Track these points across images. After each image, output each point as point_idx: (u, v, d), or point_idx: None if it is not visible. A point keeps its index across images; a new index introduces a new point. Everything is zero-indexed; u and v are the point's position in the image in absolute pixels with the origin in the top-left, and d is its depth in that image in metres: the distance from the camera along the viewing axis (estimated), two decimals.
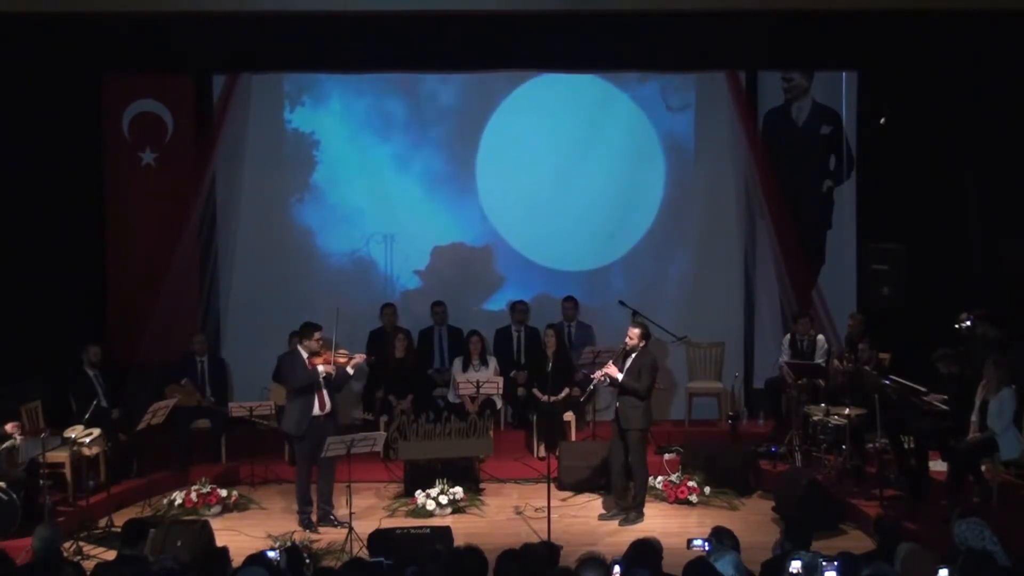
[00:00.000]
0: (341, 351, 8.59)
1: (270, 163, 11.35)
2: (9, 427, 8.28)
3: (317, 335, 8.44)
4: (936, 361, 8.62)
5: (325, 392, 8.47)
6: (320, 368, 8.39)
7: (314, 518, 8.55)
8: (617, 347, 8.86)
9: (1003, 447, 8.07)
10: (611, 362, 8.67)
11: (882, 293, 10.60)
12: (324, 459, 8.28)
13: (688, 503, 9.14)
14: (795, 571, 5.25)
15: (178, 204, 10.95)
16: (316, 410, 8.43)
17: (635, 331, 8.65)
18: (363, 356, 8.81)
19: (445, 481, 9.04)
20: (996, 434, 8.06)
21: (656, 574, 5.40)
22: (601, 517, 8.86)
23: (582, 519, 8.88)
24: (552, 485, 8.54)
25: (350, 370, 8.61)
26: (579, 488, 9.46)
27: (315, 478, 8.61)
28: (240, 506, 9.09)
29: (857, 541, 7.85)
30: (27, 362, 10.03)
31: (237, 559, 5.81)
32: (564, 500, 9.26)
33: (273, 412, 9.87)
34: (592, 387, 8.85)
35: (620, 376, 8.54)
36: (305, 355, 8.45)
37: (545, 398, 10.22)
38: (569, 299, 11.07)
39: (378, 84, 11.35)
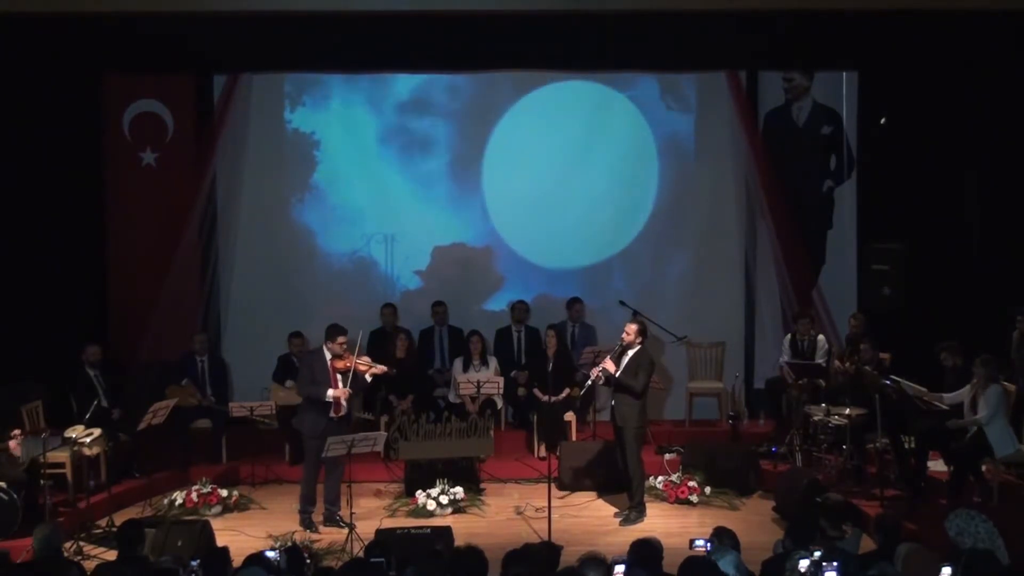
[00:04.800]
0: (364, 358, 8.59)
1: (270, 163, 11.35)
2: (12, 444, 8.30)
3: (341, 339, 8.43)
4: (941, 352, 8.65)
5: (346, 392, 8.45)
6: (332, 394, 8.34)
7: (317, 518, 8.55)
8: (619, 341, 8.82)
9: (995, 444, 8.09)
10: (608, 358, 8.66)
11: (883, 293, 10.61)
12: (332, 461, 8.28)
13: (688, 503, 9.14)
14: (803, 570, 5.26)
15: (178, 204, 10.95)
16: (331, 412, 8.42)
17: (632, 327, 8.64)
18: (384, 368, 8.78)
19: (446, 481, 9.04)
20: (983, 424, 8.08)
21: (656, 574, 5.41)
22: (617, 515, 8.82)
23: (582, 519, 8.87)
24: (552, 485, 8.53)
25: (368, 377, 8.60)
26: (579, 488, 9.46)
27: (320, 479, 8.60)
28: (241, 506, 9.09)
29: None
30: (27, 362, 10.03)
31: (237, 559, 5.81)
32: (561, 499, 9.26)
33: (273, 412, 9.87)
34: (589, 383, 8.84)
35: (617, 372, 8.53)
36: (329, 357, 8.45)
37: (546, 398, 10.23)
38: (577, 300, 11.08)
39: (378, 84, 11.36)
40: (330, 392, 8.33)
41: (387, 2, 9.98)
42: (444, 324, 11.15)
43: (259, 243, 11.38)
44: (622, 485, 8.89)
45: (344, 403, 8.45)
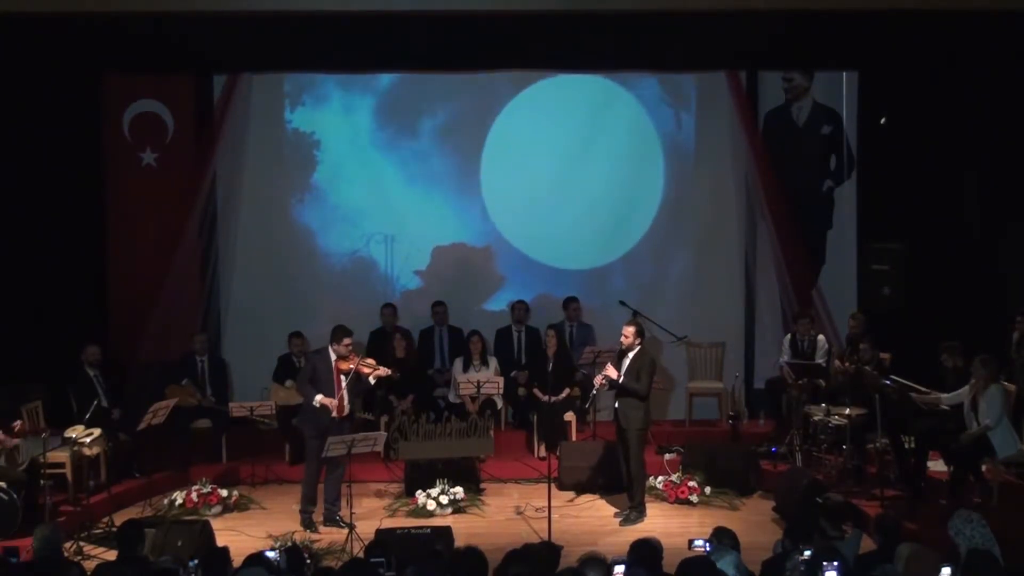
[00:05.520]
0: (367, 360, 8.61)
1: (270, 163, 11.36)
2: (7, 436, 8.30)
3: (347, 340, 8.45)
4: (942, 353, 8.65)
5: (345, 395, 8.46)
6: (321, 400, 8.34)
7: (317, 518, 8.55)
8: (618, 344, 8.83)
9: (998, 445, 8.10)
10: (609, 364, 8.68)
11: (883, 293, 10.61)
12: (332, 461, 8.28)
13: (689, 503, 9.14)
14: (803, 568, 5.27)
15: (178, 204, 10.95)
16: (334, 412, 8.43)
17: (630, 329, 8.65)
18: (388, 371, 8.79)
19: (446, 481, 9.04)
20: (990, 429, 8.09)
21: (656, 574, 5.40)
22: (617, 515, 8.82)
23: (582, 519, 8.88)
24: (552, 485, 8.54)
25: (372, 380, 8.62)
26: (579, 488, 9.46)
27: (321, 479, 8.60)
28: (240, 506, 9.09)
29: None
30: (27, 362, 10.03)
31: (237, 559, 5.81)
32: (570, 501, 9.27)
33: (273, 412, 9.87)
34: (594, 393, 8.87)
35: (620, 377, 8.54)
36: (334, 358, 8.45)
37: (546, 398, 10.23)
38: (573, 300, 11.07)
39: (378, 84, 11.37)
40: (319, 398, 8.33)
41: (387, 2, 9.97)
42: (444, 324, 11.15)
43: (259, 243, 11.38)
44: (622, 485, 8.89)
45: (346, 406, 8.45)
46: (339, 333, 8.47)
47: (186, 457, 9.83)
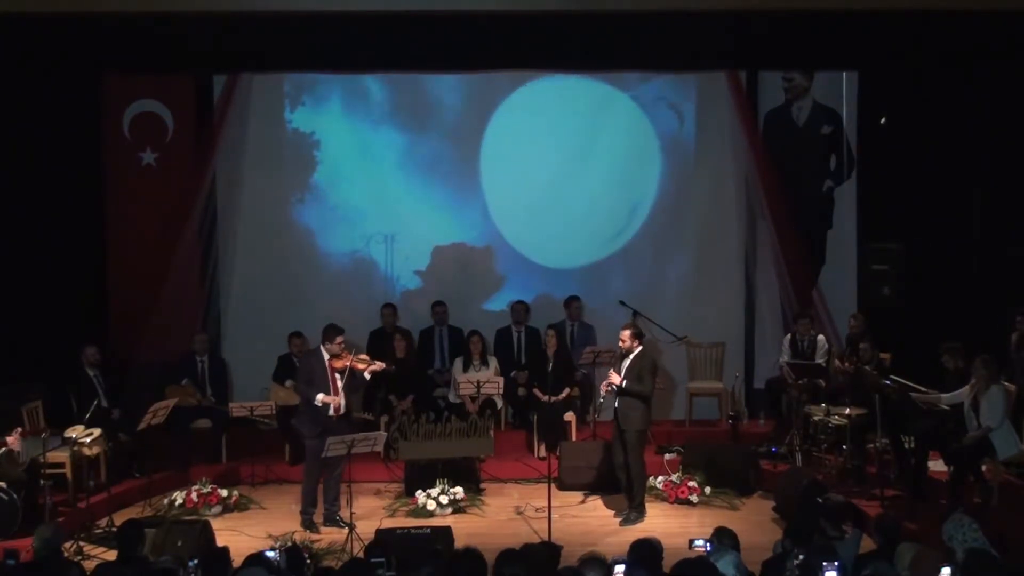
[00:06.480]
0: (361, 356, 8.65)
1: (270, 163, 11.35)
2: (10, 439, 8.28)
3: (339, 339, 8.46)
4: (943, 354, 8.65)
5: (342, 394, 8.47)
6: (322, 399, 8.35)
7: (318, 519, 8.55)
8: (617, 346, 8.85)
9: (998, 446, 8.09)
10: (612, 371, 8.71)
11: (883, 293, 10.61)
12: (333, 460, 8.28)
13: (689, 503, 9.15)
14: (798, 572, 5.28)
15: (178, 204, 10.96)
16: (331, 411, 8.43)
17: (626, 332, 8.67)
18: (383, 364, 8.80)
19: (446, 481, 9.04)
20: (992, 430, 8.08)
21: (656, 574, 5.41)
22: (617, 515, 8.81)
23: (582, 519, 8.88)
24: (552, 485, 8.54)
25: (367, 375, 8.63)
26: (580, 488, 9.46)
27: (322, 479, 8.60)
28: (240, 506, 9.10)
29: None
30: (28, 362, 10.03)
31: (237, 559, 5.81)
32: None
33: (273, 412, 9.88)
34: (601, 400, 8.90)
35: (623, 382, 8.54)
36: (327, 357, 8.46)
37: (546, 398, 10.23)
38: (575, 299, 11.07)
39: (378, 84, 11.36)
40: (320, 397, 8.34)
41: (387, 2, 9.97)
42: (444, 324, 11.15)
43: (259, 243, 11.38)
44: (621, 485, 8.89)
45: (342, 403, 8.46)
46: (331, 332, 8.49)
47: (186, 457, 9.83)
